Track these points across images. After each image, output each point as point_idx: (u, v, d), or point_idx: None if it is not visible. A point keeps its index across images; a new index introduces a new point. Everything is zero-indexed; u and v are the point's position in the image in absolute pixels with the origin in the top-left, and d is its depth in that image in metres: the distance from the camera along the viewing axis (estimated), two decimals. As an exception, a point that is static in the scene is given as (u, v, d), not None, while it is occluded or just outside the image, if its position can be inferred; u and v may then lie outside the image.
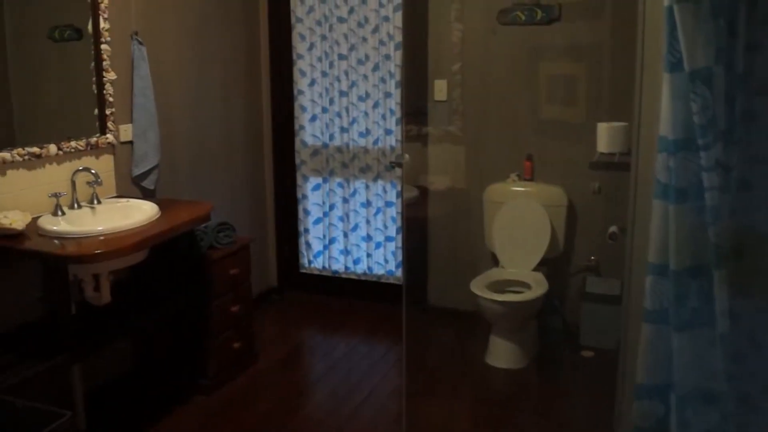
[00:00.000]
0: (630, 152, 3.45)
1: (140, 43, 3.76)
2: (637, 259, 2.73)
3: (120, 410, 3.62)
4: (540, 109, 4.26)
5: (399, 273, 4.91)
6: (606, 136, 3.66)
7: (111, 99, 3.62)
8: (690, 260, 2.40)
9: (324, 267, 5.15)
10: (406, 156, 4.56)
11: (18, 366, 2.83)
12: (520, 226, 4.17)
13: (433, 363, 4.19)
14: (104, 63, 3.57)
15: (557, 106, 4.24)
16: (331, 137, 4.89)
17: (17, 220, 2.95)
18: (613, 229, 3.85)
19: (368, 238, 4.94)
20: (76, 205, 3.31)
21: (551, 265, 4.24)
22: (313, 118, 4.93)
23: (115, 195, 3.70)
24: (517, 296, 3.94)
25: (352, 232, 5.00)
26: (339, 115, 4.83)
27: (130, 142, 3.80)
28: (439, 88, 4.43)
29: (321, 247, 5.14)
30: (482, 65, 4.34)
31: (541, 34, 4.16)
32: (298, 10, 4.80)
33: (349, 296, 5.08)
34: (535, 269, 4.13)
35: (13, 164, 3.15)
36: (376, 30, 4.61)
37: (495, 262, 4.33)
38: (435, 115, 4.49)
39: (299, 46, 4.85)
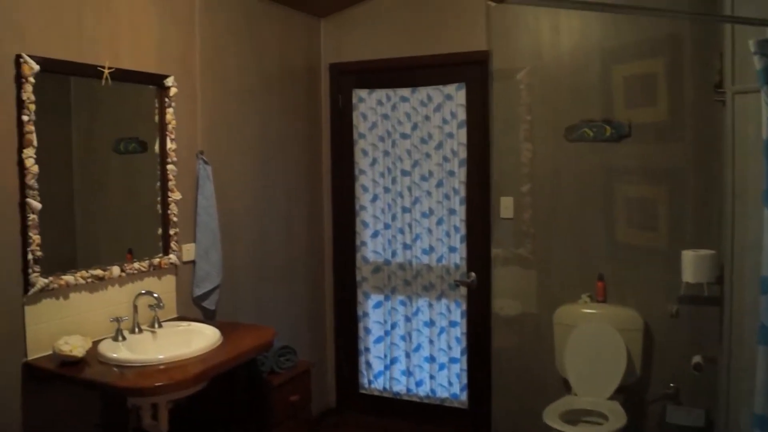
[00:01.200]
0: (717, 281, 3.33)
1: (205, 162, 3.80)
2: (732, 395, 2.56)
3: None
4: (614, 231, 4.14)
5: (464, 397, 4.74)
6: (692, 266, 3.54)
7: (175, 219, 3.64)
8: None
9: (385, 388, 5.01)
10: (472, 274, 4.50)
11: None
12: (593, 351, 4.00)
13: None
14: (170, 183, 3.61)
15: (632, 228, 4.12)
16: (394, 254, 4.84)
17: (78, 347, 2.91)
18: (697, 359, 3.68)
19: (431, 359, 4.81)
20: (137, 329, 3.28)
21: (628, 392, 4.04)
22: (375, 234, 4.90)
23: (176, 316, 3.67)
24: (594, 429, 3.74)
25: (414, 352, 4.87)
26: (402, 231, 4.79)
27: (192, 262, 3.79)
28: (505, 206, 4.36)
29: (382, 367, 5.01)
30: (551, 184, 4.27)
31: (613, 152, 4.10)
32: (360, 126, 4.84)
33: (411, 419, 4.91)
34: (611, 397, 3.93)
35: (76, 287, 3.15)
36: (440, 146, 4.61)
37: (567, 388, 4.14)
38: (500, 232, 4.41)
39: (362, 162, 4.87)
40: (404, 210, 4.77)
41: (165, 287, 3.59)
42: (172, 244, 3.63)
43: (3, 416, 2.88)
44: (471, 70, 4.48)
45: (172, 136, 3.60)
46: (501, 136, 4.38)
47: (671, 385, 4.04)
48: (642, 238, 4.09)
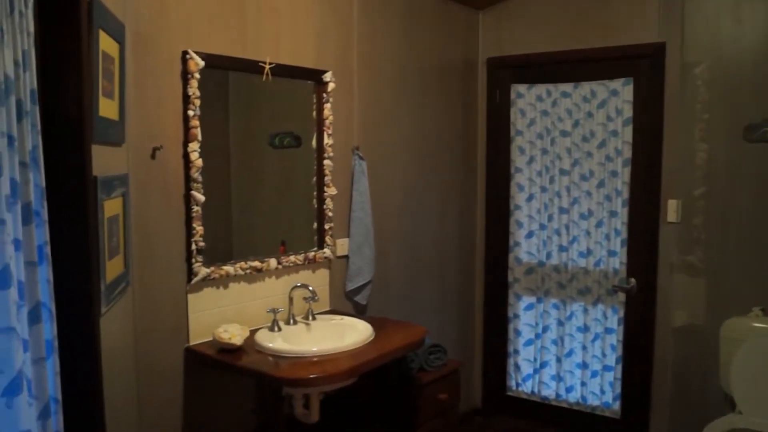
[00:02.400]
0: None
1: (361, 158, 3.86)
2: None
3: None
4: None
5: (616, 406, 4.59)
6: None
7: (330, 214, 3.72)
8: None
9: (533, 392, 4.93)
10: (632, 280, 4.34)
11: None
12: (763, 368, 3.77)
13: None
14: (326, 178, 3.69)
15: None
16: (548, 255, 4.75)
17: (236, 335, 3.04)
18: None
19: (584, 365, 4.69)
20: (292, 321, 3.38)
21: (801, 415, 3.78)
22: (530, 235, 4.82)
23: (328, 309, 3.75)
24: (760, 450, 3.54)
25: (566, 357, 4.77)
26: (558, 232, 4.69)
27: (346, 257, 3.86)
28: (672, 209, 4.18)
29: (531, 371, 4.93)
30: (727, 188, 4.02)
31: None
32: (518, 122, 4.78)
33: (559, 426, 4.81)
34: (782, 419, 3.70)
35: (235, 277, 3.28)
36: (602, 145, 4.47)
37: (731, 406, 3.93)
38: (666, 237, 4.23)
39: (518, 160, 4.80)
40: (561, 210, 4.67)
41: (319, 281, 3.69)
42: (327, 239, 3.72)
43: (168, 395, 3.07)
44: (640, 64, 4.29)
45: (329, 132, 3.68)
46: (673, 135, 4.18)
47: None
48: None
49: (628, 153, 4.38)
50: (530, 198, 4.79)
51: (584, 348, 4.67)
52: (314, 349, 3.06)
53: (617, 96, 4.41)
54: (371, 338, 3.24)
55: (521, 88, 4.76)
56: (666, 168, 4.22)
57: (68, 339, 2.04)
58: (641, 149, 4.32)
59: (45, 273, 1.86)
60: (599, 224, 4.53)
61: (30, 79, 1.76)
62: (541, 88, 4.68)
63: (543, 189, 4.73)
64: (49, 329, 1.88)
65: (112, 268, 2.43)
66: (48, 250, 1.87)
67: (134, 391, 2.87)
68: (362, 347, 3.14)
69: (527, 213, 4.81)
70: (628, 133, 4.37)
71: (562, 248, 4.68)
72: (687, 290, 4.18)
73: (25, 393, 1.73)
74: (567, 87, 4.59)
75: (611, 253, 4.51)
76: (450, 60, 4.63)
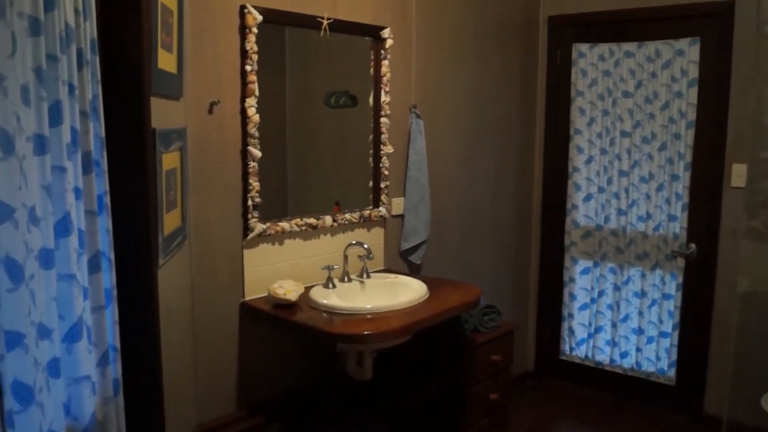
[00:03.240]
0: None
1: (418, 116, 3.82)
2: None
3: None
4: None
5: (671, 373, 4.52)
6: None
7: (386, 172, 3.69)
8: None
9: (587, 356, 4.88)
10: (693, 245, 4.25)
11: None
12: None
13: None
14: (382, 136, 3.66)
15: None
16: (606, 219, 4.66)
17: (291, 291, 3.05)
18: None
19: (639, 331, 4.62)
20: (346, 278, 3.38)
21: None
22: (588, 198, 4.73)
23: (382, 268, 3.75)
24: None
25: (621, 322, 4.70)
26: (617, 196, 4.60)
27: (401, 216, 3.84)
28: (738, 173, 4.05)
29: (585, 335, 4.88)
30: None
31: None
32: (579, 83, 4.67)
33: (613, 391, 4.76)
34: None
35: (290, 234, 3.29)
36: (666, 106, 4.35)
37: (793, 375, 3.84)
38: (730, 202, 4.11)
39: (578, 121, 4.70)
40: (621, 174, 4.57)
41: (373, 239, 3.68)
42: (383, 198, 3.70)
43: (223, 347, 3.11)
44: (708, 23, 4.14)
45: (387, 89, 3.64)
46: (740, 97, 4.04)
47: None
48: None
49: (692, 115, 4.25)
50: (589, 160, 4.69)
51: (640, 314, 4.60)
52: (368, 306, 3.06)
53: (683, 56, 4.27)
54: (425, 297, 3.23)
55: (583, 47, 4.64)
56: (731, 131, 4.09)
57: (127, 289, 2.07)
58: (706, 111, 4.19)
59: (105, 223, 1.87)
60: (660, 188, 4.42)
61: (90, 28, 1.76)
62: (603, 48, 4.56)
63: (603, 151, 4.63)
64: (108, 278, 1.90)
65: (170, 222, 2.44)
66: (107, 200, 1.88)
67: (190, 342, 2.91)
68: (416, 306, 3.13)
69: (586, 175, 4.72)
70: (693, 94, 4.24)
71: (620, 212, 4.59)
72: (752, 256, 4.07)
73: (85, 340, 1.76)
74: (631, 46, 4.45)
75: (671, 218, 4.40)
76: (510, 18, 4.53)
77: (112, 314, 1.92)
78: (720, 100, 4.11)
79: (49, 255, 1.58)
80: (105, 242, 1.87)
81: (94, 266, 1.82)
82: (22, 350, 1.46)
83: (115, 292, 1.93)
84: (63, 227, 1.65)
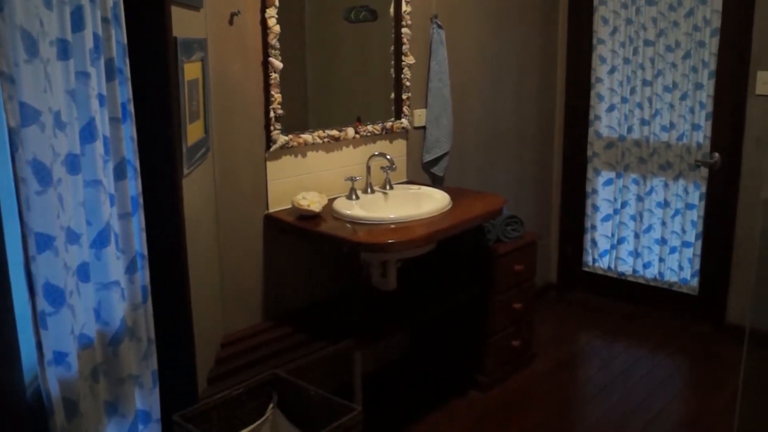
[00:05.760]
0: None
1: (439, 26, 3.74)
2: None
3: (394, 398, 3.68)
4: None
5: (694, 282, 4.53)
6: None
7: (408, 83, 3.65)
8: None
9: (609, 267, 4.89)
10: (716, 155, 4.19)
11: (306, 346, 2.94)
12: None
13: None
14: (404, 47, 3.60)
15: None
16: (629, 129, 4.60)
17: (315, 202, 3.06)
18: None
19: (662, 241, 4.60)
20: (369, 190, 3.38)
21: None
22: (611, 108, 4.66)
23: (405, 180, 3.74)
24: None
25: (644, 233, 4.68)
26: (640, 106, 4.52)
27: (423, 128, 3.81)
28: (763, 81, 3.96)
29: (608, 246, 4.88)
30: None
31: None
32: (602, -9, 4.55)
33: (635, 302, 4.78)
34: None
35: (313, 146, 3.28)
36: (690, 14, 4.23)
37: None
38: (754, 110, 4.04)
39: (601, 30, 4.59)
40: (644, 83, 4.48)
41: (396, 151, 3.66)
42: (404, 109, 3.66)
43: (250, 259, 3.14)
44: None
45: (407, -1, 3.57)
46: (766, 4, 3.92)
47: None
48: None
49: (716, 22, 4.13)
50: (612, 70, 4.60)
51: (663, 224, 4.58)
52: (392, 216, 3.06)
53: (709, -40, 4.14)
54: (448, 207, 3.23)
55: (607, -47, 4.51)
56: (756, 38, 3.98)
57: (153, 197, 2.08)
58: (731, 18, 4.07)
59: (129, 130, 1.87)
60: (683, 97, 4.34)
61: (108, -68, 1.72)
62: (628, -47, 4.43)
63: (626, 61, 4.53)
64: (134, 186, 1.91)
65: (193, 132, 2.44)
66: (131, 108, 1.88)
67: (216, 254, 2.93)
68: (439, 215, 3.13)
69: (609, 86, 4.64)
70: (717, 0, 4.11)
71: (643, 122, 4.53)
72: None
73: (113, 245, 1.78)
74: (656, -49, 4.32)
75: (695, 127, 4.33)
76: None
77: (138, 221, 1.94)
78: (745, 6, 3.99)
79: (75, 160, 1.59)
80: (130, 150, 1.88)
81: (119, 173, 1.82)
82: (52, 253, 1.48)
83: (141, 200, 1.94)
84: (88, 133, 1.65)
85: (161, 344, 2.08)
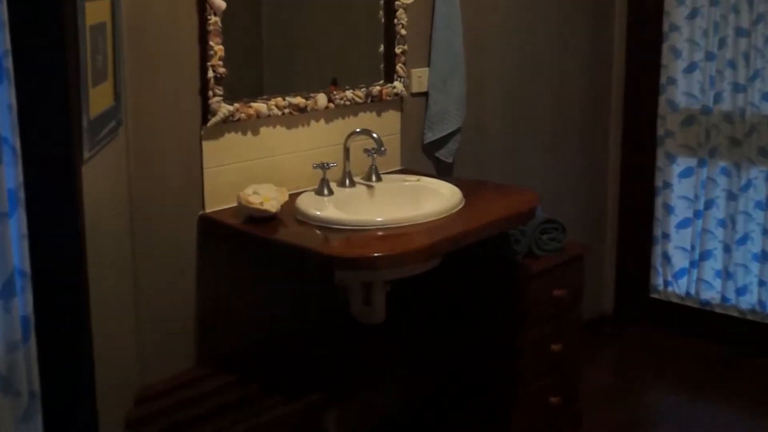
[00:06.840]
0: None
1: (448, -51, 3.77)
2: None
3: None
4: None
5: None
6: None
7: (403, 32, 3.65)
8: None
9: (688, 293, 4.93)
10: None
11: (257, 403, 2.94)
12: None
13: None
14: (398, -22, 3.62)
15: None
16: (718, 98, 4.64)
17: (270, 199, 3.05)
18: None
19: (764, 256, 4.63)
20: (348, 182, 3.39)
21: None
22: (691, 68, 4.71)
23: (399, 168, 3.76)
24: None
25: (738, 245, 4.72)
26: (732, 64, 4.57)
27: (425, 94, 3.82)
28: None
29: (686, 263, 4.92)
30: None
31: None
32: None
33: (725, 342, 4.81)
34: None
35: (269, 119, 3.28)
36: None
37: None
38: None
39: (677, -41, 4.66)
40: (739, 33, 4.52)
41: (386, 127, 3.66)
42: (398, 68, 3.67)
43: (178, 278, 3.14)
44: None
45: None
46: None
47: None
48: None
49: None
50: (693, 14, 4.65)
51: (765, 232, 4.60)
52: (379, 219, 3.07)
53: None
54: (460, 206, 3.23)
55: None
56: None
57: (39, 190, 2.07)
58: None
59: (5, 95, 1.87)
60: (796, 52, 4.40)
61: None
62: None
63: (712, 2, 4.57)
64: (12, 174, 1.90)
65: (98, 99, 2.43)
66: (9, 63, 1.87)
67: (129, 271, 2.92)
68: (446, 218, 3.14)
69: (688, 36, 4.69)
70: None
71: (737, 88, 4.57)
72: None
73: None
74: None
75: (813, 96, 4.40)
76: None
77: (18, 225, 1.93)
78: None
79: None
80: (6, 123, 1.87)
81: (-9, 156, 1.82)
82: None
83: (21, 194, 1.93)
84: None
85: (49, 400, 2.07)
